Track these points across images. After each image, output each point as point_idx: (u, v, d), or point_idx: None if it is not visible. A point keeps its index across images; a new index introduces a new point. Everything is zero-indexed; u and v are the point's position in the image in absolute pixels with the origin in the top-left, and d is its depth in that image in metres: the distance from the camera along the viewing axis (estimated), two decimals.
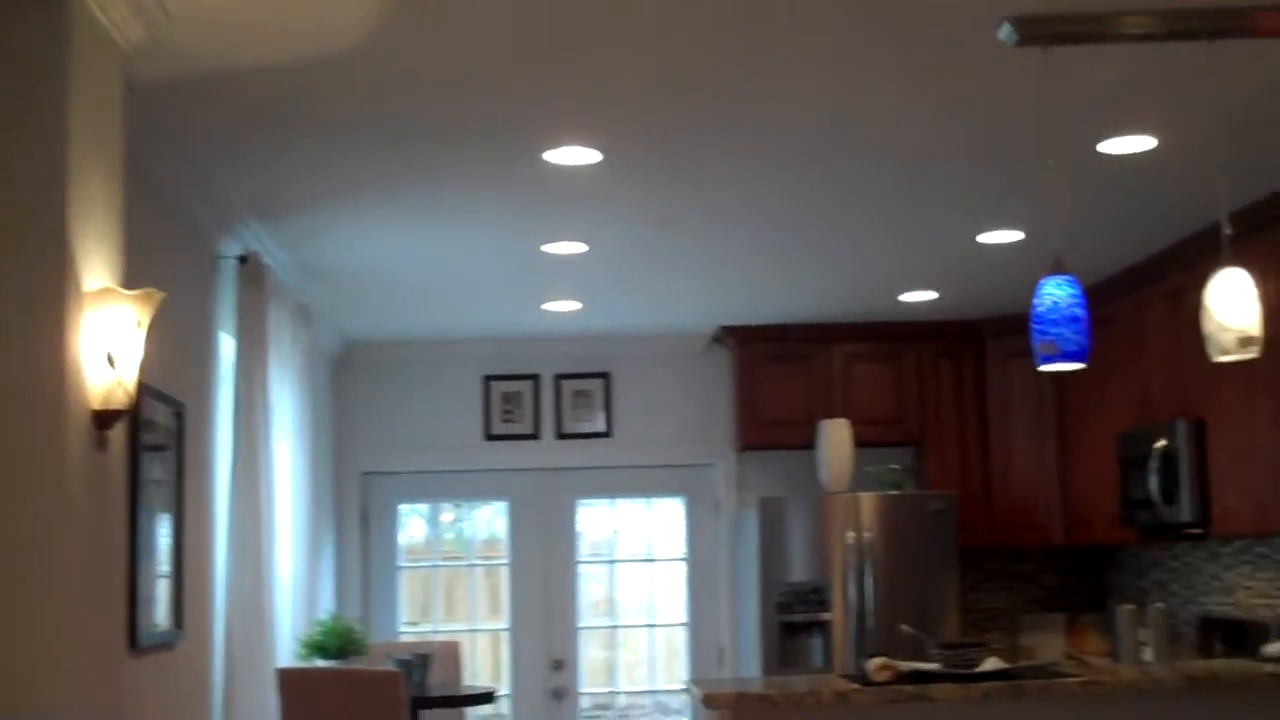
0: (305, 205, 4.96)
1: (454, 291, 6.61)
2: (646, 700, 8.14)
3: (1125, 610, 4.19)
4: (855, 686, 3.23)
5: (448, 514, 8.26)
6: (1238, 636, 5.81)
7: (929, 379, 7.71)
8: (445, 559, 8.18)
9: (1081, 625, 7.65)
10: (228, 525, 4.87)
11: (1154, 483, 6.02)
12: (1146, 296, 6.38)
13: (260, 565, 4.85)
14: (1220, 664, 3.72)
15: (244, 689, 4.81)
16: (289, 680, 4.74)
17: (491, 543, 8.21)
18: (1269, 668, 3.39)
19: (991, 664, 3.48)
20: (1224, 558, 6.47)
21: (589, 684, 8.04)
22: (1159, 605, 4.24)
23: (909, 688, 3.20)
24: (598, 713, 8.09)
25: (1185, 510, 5.84)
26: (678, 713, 8.10)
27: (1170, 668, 3.53)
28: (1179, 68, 3.56)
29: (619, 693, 8.09)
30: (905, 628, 5.95)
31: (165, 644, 4.17)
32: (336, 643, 5.22)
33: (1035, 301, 3.21)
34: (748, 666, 7.23)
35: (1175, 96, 3.91)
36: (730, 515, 7.93)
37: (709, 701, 3.20)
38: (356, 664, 5.12)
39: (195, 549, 4.52)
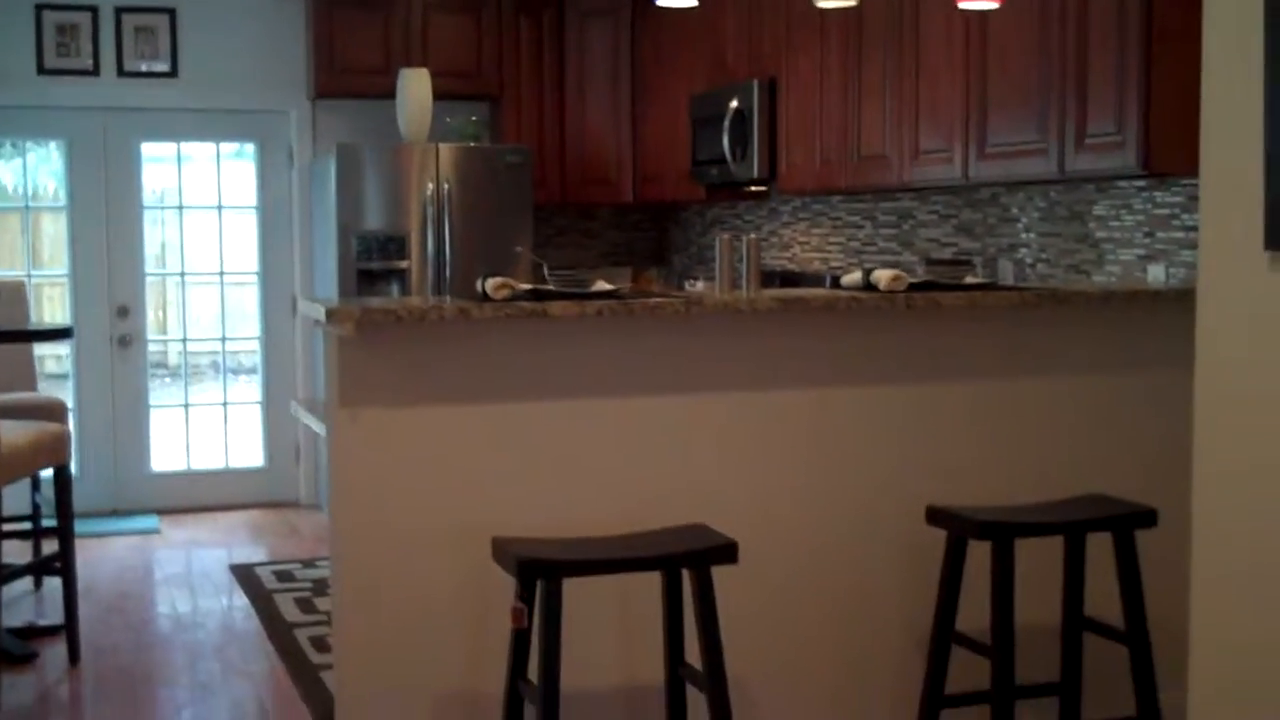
0: None
1: None
2: (216, 351, 8.03)
3: (724, 239, 4.43)
4: (476, 304, 3.30)
5: (3, 155, 7.69)
6: (795, 287, 6.26)
7: (508, 33, 7.69)
8: (1, 201, 7.66)
9: (646, 277, 8.06)
10: None
11: (725, 141, 6.30)
12: None
13: None
14: (808, 290, 4.02)
15: None
16: None
17: (49, 185, 7.72)
18: (845, 293, 3.69)
19: (600, 286, 3.63)
20: (784, 215, 6.90)
21: (155, 333, 7.84)
22: (753, 235, 4.50)
23: (528, 305, 3.30)
24: (165, 361, 7.93)
25: (754, 168, 6.17)
26: (250, 371, 8.05)
27: (763, 293, 3.79)
28: None
29: (190, 340, 7.93)
30: (520, 249, 6.10)
31: None
32: None
33: None
34: None
35: None
36: (304, 164, 7.78)
37: (332, 317, 3.19)
38: None
39: None
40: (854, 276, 3.85)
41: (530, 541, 3.22)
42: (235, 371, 8.09)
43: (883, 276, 3.75)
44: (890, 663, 3.85)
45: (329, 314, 3.22)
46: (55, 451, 4.86)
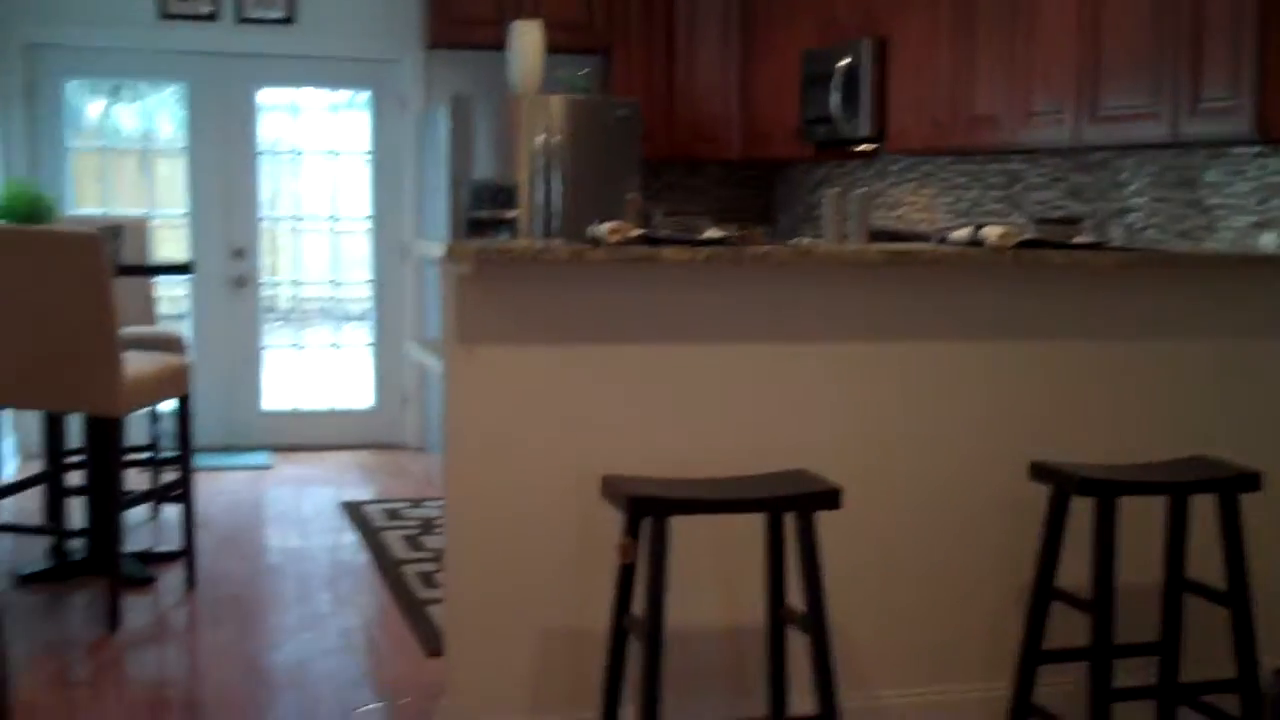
0: None
1: None
2: (326, 297, 8.20)
3: (832, 194, 4.47)
4: (590, 246, 3.38)
5: (123, 98, 7.88)
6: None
7: None
8: (120, 143, 7.86)
9: (753, 234, 8.09)
10: None
11: (835, 99, 6.32)
12: None
13: None
14: (916, 245, 4.06)
15: None
16: None
17: (165, 128, 7.92)
18: (953, 248, 3.72)
19: (712, 233, 3.69)
20: (892, 175, 6.91)
21: (270, 275, 8.03)
22: (863, 190, 4.54)
23: (640, 249, 3.37)
24: (275, 305, 8.11)
25: (863, 126, 6.19)
26: (358, 318, 8.21)
27: (872, 245, 3.83)
28: None
29: (301, 283, 8.11)
30: (631, 195, 6.18)
31: None
32: (25, 208, 5.03)
33: None
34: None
35: None
36: (417, 113, 7.90)
37: (452, 254, 3.29)
38: None
39: None
40: (963, 232, 3.88)
41: (639, 480, 3.31)
42: (344, 319, 8.26)
43: (991, 232, 3.78)
44: (989, 616, 3.89)
45: (449, 251, 3.31)
46: (178, 383, 5.03)
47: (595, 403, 3.55)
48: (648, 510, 3.13)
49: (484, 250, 3.31)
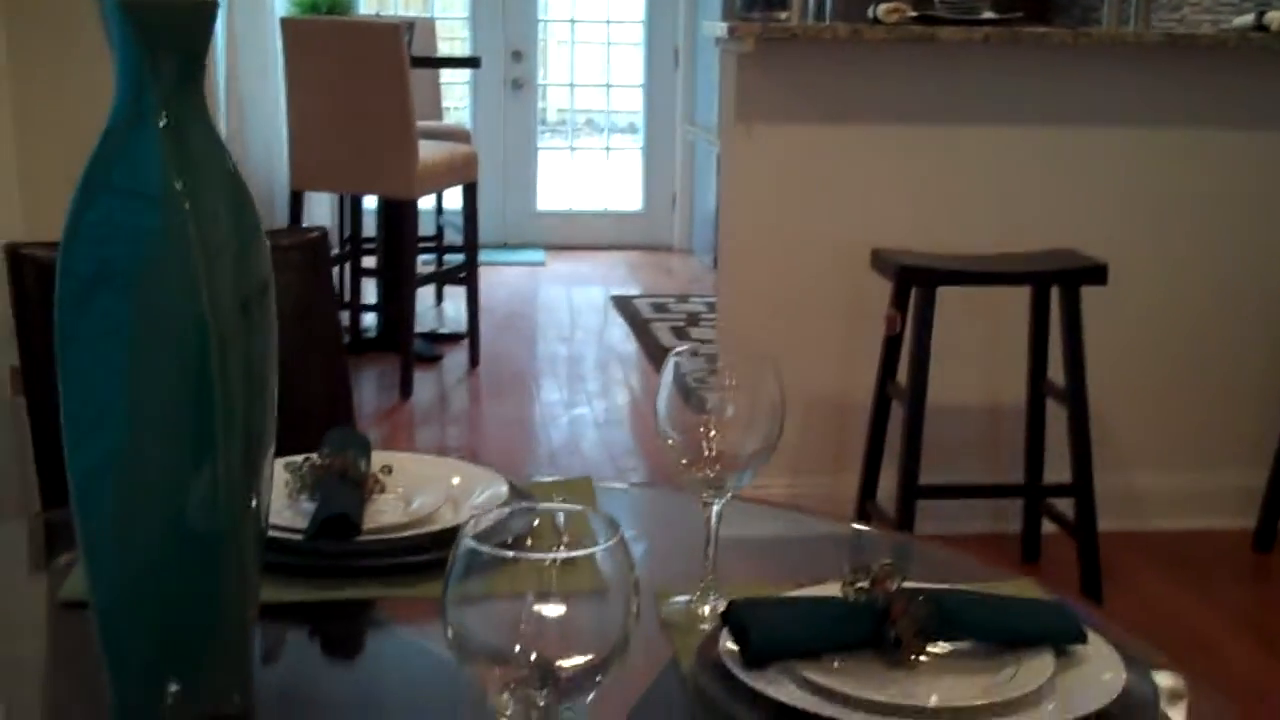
0: None
1: None
2: (598, 108, 8.41)
3: None
4: (867, 25, 3.46)
5: None
6: None
7: None
8: None
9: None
10: None
11: None
12: None
13: None
14: (1193, 32, 4.01)
15: (245, 35, 4.98)
16: (291, 30, 4.88)
17: None
18: (1236, 32, 3.67)
19: (990, 15, 3.73)
20: None
21: (545, 79, 8.28)
22: None
23: (917, 28, 3.44)
24: (548, 112, 8.37)
25: None
26: (627, 129, 8.40)
27: (1152, 28, 3.81)
28: None
29: (576, 86, 8.35)
30: None
31: None
32: (326, 3, 5.34)
33: None
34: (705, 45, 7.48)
35: None
36: None
37: (734, 33, 3.42)
38: None
39: None
40: (1246, 18, 3.82)
41: (908, 252, 3.43)
42: (614, 129, 8.47)
43: (1275, 18, 3.71)
44: (1250, 405, 3.91)
45: (731, 30, 3.45)
46: (466, 169, 5.33)
47: (867, 180, 3.67)
48: (916, 280, 3.26)
49: (766, 28, 3.43)
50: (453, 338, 5.90)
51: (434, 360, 5.64)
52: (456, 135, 6.29)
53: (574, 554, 0.84)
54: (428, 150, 5.07)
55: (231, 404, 1.11)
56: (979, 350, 3.77)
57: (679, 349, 1.31)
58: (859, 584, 1.17)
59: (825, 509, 3.16)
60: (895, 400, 3.45)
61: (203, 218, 1.08)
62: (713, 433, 1.29)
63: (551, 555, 0.84)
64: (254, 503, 1.15)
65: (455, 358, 5.69)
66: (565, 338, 6.17)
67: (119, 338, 1.07)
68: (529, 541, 0.89)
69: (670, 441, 1.30)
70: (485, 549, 0.83)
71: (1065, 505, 3.49)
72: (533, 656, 0.84)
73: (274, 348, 1.16)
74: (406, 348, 5.12)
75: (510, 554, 0.83)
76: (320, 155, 4.95)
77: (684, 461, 1.31)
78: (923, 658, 1.15)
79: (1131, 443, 3.89)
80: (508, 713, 0.85)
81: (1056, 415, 3.49)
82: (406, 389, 5.11)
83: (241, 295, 1.11)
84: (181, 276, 1.08)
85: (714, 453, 1.29)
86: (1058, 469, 3.54)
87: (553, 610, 0.84)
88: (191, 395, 1.10)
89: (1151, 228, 3.77)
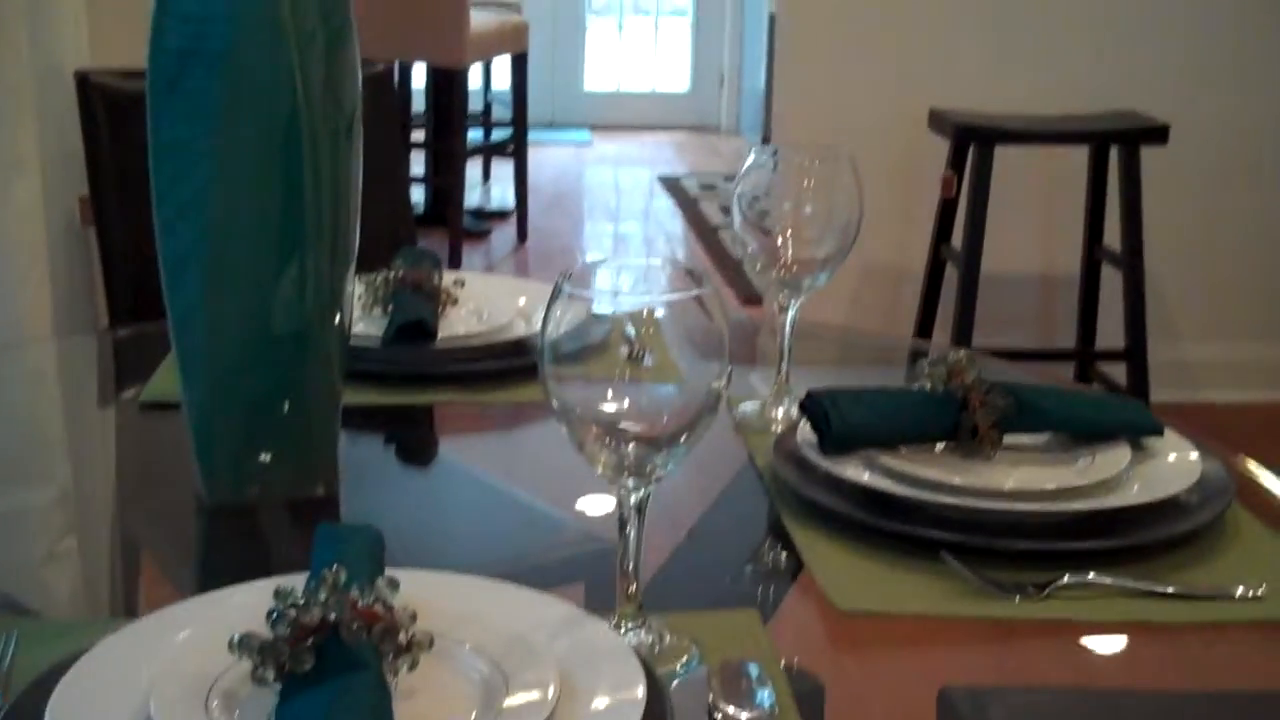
0: None
1: None
2: None
3: None
4: None
5: None
6: None
7: None
8: None
9: None
10: None
11: None
12: None
13: None
14: None
15: None
16: None
17: None
18: None
19: None
20: None
21: None
22: None
23: None
24: None
25: None
26: (676, 12, 8.32)
27: None
28: None
29: None
30: None
31: None
32: None
33: None
34: None
35: None
36: None
37: None
38: None
39: None
40: None
41: (966, 112, 3.39)
42: (659, 14, 8.39)
43: None
44: None
45: None
46: (516, 38, 5.29)
47: (924, 39, 3.62)
48: (974, 139, 3.23)
49: None
50: (500, 215, 5.90)
51: (482, 235, 5.64)
52: (507, 4, 6.24)
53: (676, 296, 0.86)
54: (479, 17, 5.04)
55: (320, 201, 1.11)
56: (1035, 215, 3.74)
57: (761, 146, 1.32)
58: (937, 374, 1.18)
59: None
60: (949, 264, 3.43)
61: (296, 5, 1.07)
62: (789, 230, 1.30)
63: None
64: (338, 304, 1.16)
65: (503, 233, 5.69)
66: (613, 214, 6.16)
67: (208, 117, 1.07)
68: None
69: (749, 246, 1.31)
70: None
71: (1117, 372, 3.48)
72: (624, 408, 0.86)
73: (359, 158, 1.16)
74: (456, 222, 5.13)
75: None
76: (370, 20, 4.90)
77: (758, 266, 1.31)
78: (999, 448, 1.16)
79: (1185, 311, 3.86)
80: (601, 459, 0.88)
81: (1110, 280, 3.47)
82: (455, 262, 5.12)
83: (333, 92, 1.10)
84: (274, 62, 1.07)
85: (789, 254, 1.30)
86: (1110, 336, 3.52)
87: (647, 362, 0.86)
88: (280, 188, 1.10)
89: (1216, 88, 3.71)
